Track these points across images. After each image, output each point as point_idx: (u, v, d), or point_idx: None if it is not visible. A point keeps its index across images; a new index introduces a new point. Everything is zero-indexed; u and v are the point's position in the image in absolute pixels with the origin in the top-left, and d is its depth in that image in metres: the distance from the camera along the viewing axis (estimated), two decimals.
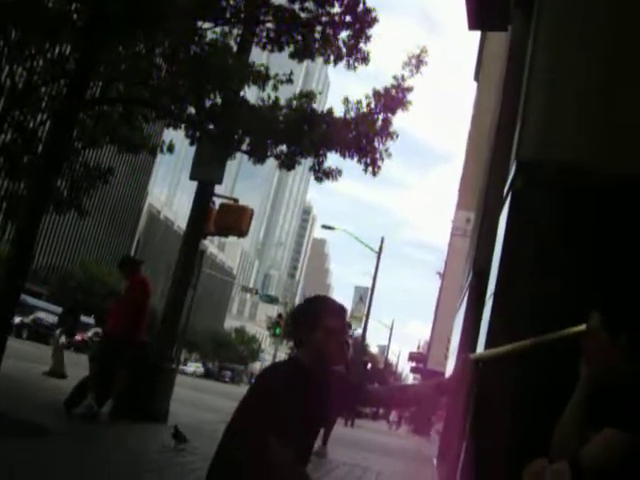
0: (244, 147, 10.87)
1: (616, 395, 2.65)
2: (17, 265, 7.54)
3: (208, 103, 10.61)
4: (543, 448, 2.80)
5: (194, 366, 75.54)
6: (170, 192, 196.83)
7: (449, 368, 7.50)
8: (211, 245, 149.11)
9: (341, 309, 3.54)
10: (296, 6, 10.51)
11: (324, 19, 10.62)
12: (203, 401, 20.08)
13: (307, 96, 10.72)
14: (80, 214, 13.12)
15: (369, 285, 46.23)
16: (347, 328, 3.50)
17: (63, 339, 15.80)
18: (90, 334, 35.78)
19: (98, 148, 12.99)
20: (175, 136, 13.30)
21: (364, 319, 45.82)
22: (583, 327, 2.84)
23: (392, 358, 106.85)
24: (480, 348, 3.62)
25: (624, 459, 2.48)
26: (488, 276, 3.95)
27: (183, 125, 11.11)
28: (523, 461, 2.88)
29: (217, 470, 3.38)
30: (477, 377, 3.27)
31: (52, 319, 28.76)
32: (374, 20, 10.63)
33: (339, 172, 10.97)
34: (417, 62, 10.70)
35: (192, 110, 11.02)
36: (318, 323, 3.40)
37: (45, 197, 8.30)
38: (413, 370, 63.39)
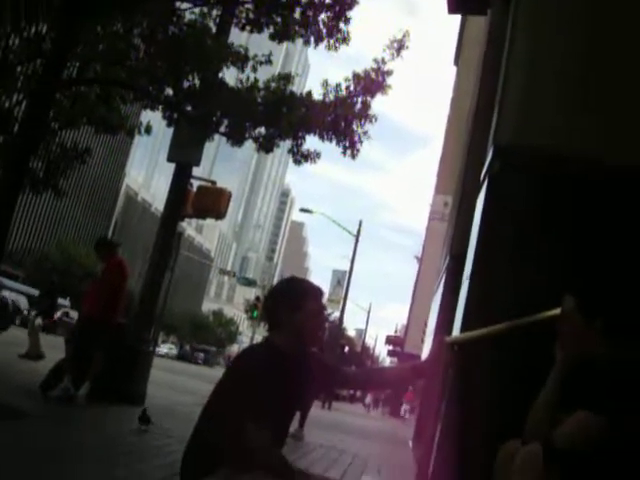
0: (222, 129, 10.82)
1: (590, 379, 2.68)
2: None
3: (186, 84, 10.54)
4: (517, 430, 2.82)
5: (167, 347, 74.62)
6: (148, 174, 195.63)
7: (426, 351, 7.55)
8: (189, 227, 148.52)
9: (319, 291, 3.55)
10: None
11: (304, 0, 10.57)
12: (179, 383, 20.08)
13: (286, 78, 10.67)
14: (57, 195, 13.01)
15: (347, 268, 46.31)
16: (325, 310, 3.52)
17: (39, 321, 15.71)
18: (59, 314, 35.40)
19: (75, 129, 12.88)
20: (153, 117, 13.21)
21: (342, 302, 45.91)
22: (558, 311, 2.86)
23: (369, 341, 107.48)
24: (456, 331, 3.64)
25: (597, 442, 2.51)
26: (465, 259, 3.97)
27: (161, 106, 11.04)
28: (497, 443, 2.91)
29: (193, 453, 3.38)
30: (452, 360, 3.29)
31: (23, 301, 28.25)
32: (354, 2, 10.60)
33: (318, 155, 10.96)
34: (398, 46, 10.68)
35: (170, 91, 10.94)
36: (299, 304, 3.40)
37: (21, 177, 8.22)
38: (390, 353, 63.73)
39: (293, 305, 3.40)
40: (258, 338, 61.66)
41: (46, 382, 9.13)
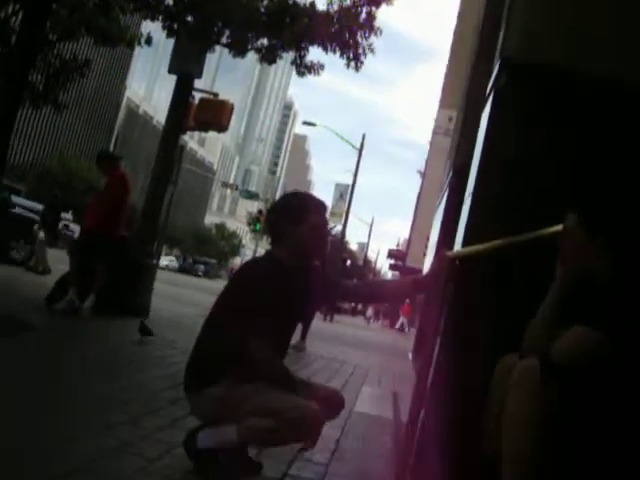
0: (224, 40, 10.62)
1: (590, 295, 2.69)
2: None
3: None
4: (516, 346, 2.86)
5: (167, 260, 72.99)
6: (149, 86, 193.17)
7: (427, 265, 7.58)
8: (191, 140, 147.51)
9: (323, 205, 3.55)
10: None
11: None
12: (183, 296, 20.34)
13: None
14: (57, 109, 12.89)
15: (350, 182, 46.20)
16: (328, 223, 3.53)
17: (42, 235, 15.75)
18: (60, 227, 35.32)
19: (74, 40, 12.63)
20: (154, 29, 12.96)
21: (344, 216, 45.98)
22: (560, 227, 2.86)
23: (371, 255, 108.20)
24: (457, 246, 3.65)
25: (595, 357, 2.55)
26: (467, 175, 3.94)
27: (161, 17, 10.80)
28: (495, 358, 2.95)
29: (196, 363, 3.44)
30: (453, 274, 3.30)
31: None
32: None
33: (321, 66, 10.78)
34: None
35: (170, 1, 10.69)
36: (302, 218, 3.40)
37: (20, 90, 8.11)
38: (392, 267, 64.23)
39: (295, 218, 3.40)
40: (261, 251, 61.97)
41: (51, 295, 9.24)
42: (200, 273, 72.40)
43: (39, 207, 17.97)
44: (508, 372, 2.66)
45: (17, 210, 16.23)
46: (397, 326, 43.80)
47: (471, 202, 3.49)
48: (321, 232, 3.45)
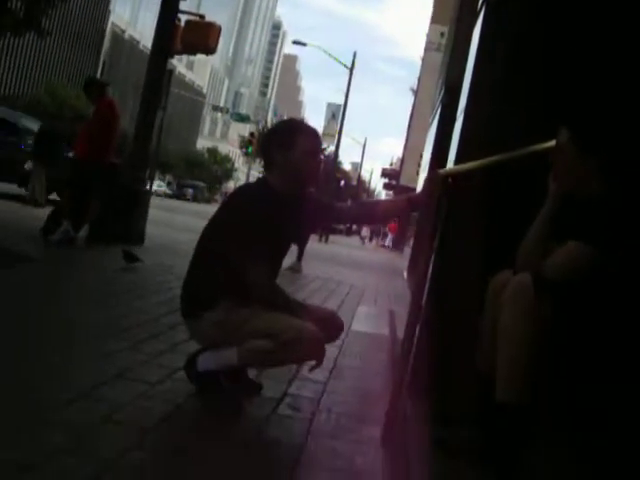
0: None
1: (582, 211, 2.70)
2: None
3: None
4: (509, 262, 2.88)
5: (156, 185, 71.48)
6: (134, 10, 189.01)
7: (421, 184, 7.59)
8: (179, 64, 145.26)
9: (314, 131, 3.53)
10: None
11: None
12: (176, 221, 20.34)
13: None
14: (40, 35, 12.63)
15: (342, 102, 45.68)
16: (321, 151, 3.51)
17: (29, 164, 15.50)
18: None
19: None
20: None
21: (336, 136, 45.63)
22: (552, 143, 2.85)
23: (365, 175, 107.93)
24: (450, 163, 3.64)
25: (587, 272, 2.57)
26: (460, 91, 3.91)
27: None
28: (489, 275, 2.97)
29: (191, 288, 3.47)
30: (446, 191, 3.30)
31: None
32: None
33: None
34: None
35: None
36: (292, 143, 3.39)
37: (1, 18, 7.94)
38: (386, 186, 64.25)
39: (286, 144, 3.39)
40: (254, 174, 61.78)
41: (46, 227, 9.24)
42: (189, 197, 69.79)
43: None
44: (502, 289, 2.69)
45: None
46: (385, 243, 44.48)
47: (463, 119, 3.47)
48: (312, 158, 3.43)
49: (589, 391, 2.61)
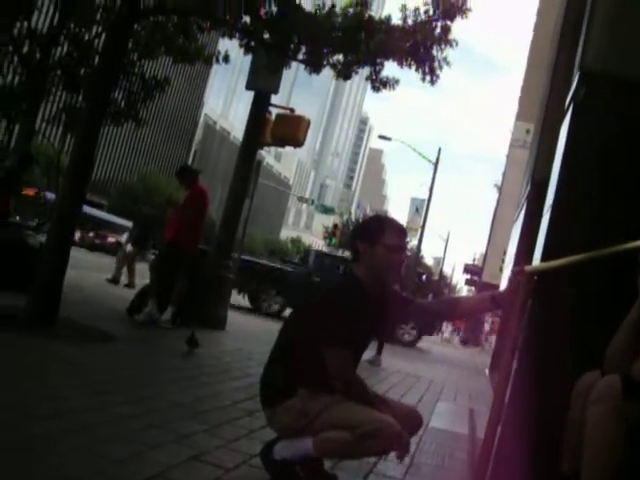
0: (300, 56, 10.71)
1: None
2: (78, 176, 7.64)
3: (263, 11, 10.42)
4: (597, 363, 2.80)
5: None
6: (226, 103, 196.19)
7: (504, 280, 7.48)
8: (268, 156, 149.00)
9: (399, 228, 3.55)
10: None
11: None
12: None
13: (364, 3, 10.42)
14: (137, 124, 13.21)
15: (425, 197, 45.89)
16: (405, 248, 3.53)
17: (129, 248, 16.13)
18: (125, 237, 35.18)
19: (154, 59, 12.94)
20: (230, 46, 13.16)
21: (420, 231, 45.68)
22: None
23: (447, 270, 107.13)
24: (536, 261, 3.60)
25: None
26: (547, 188, 3.89)
27: (237, 34, 10.96)
28: (575, 375, 2.89)
29: (271, 376, 3.47)
30: (532, 289, 3.26)
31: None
32: None
33: (396, 81, 10.75)
34: None
35: (247, 19, 10.84)
36: (379, 239, 3.43)
37: (103, 108, 8.35)
38: (468, 282, 63.41)
39: (371, 239, 3.44)
40: None
41: (132, 307, 9.48)
42: None
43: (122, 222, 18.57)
44: (588, 390, 2.61)
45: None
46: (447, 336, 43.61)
47: (550, 216, 3.44)
48: (395, 255, 3.44)
49: None
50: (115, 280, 15.16)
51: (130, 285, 14.82)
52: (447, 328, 43.51)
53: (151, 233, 16.51)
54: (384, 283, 3.50)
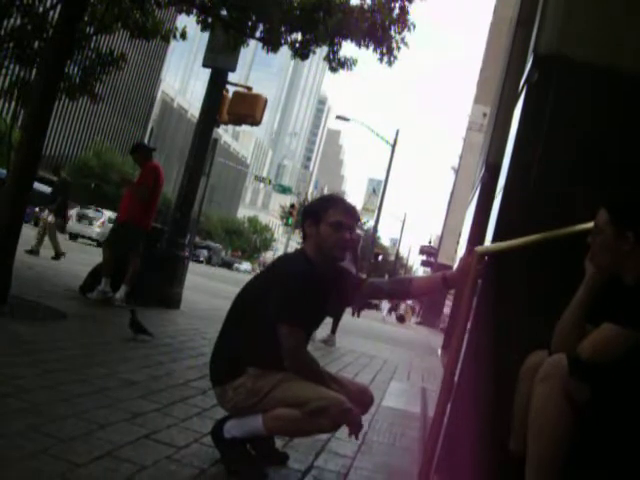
0: (257, 34, 10.63)
1: (620, 293, 2.67)
2: (30, 152, 7.51)
3: None
4: (544, 342, 2.85)
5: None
6: (184, 80, 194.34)
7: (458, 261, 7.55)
8: (225, 134, 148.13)
9: (348, 207, 3.52)
10: None
11: None
12: (211, 288, 20.44)
13: None
14: (93, 100, 12.97)
15: (382, 178, 46.08)
16: (353, 226, 3.51)
17: (51, 218, 15.84)
18: (72, 212, 34.26)
19: (110, 34, 12.72)
20: (189, 22, 13.01)
21: (376, 212, 45.89)
22: (590, 224, 2.85)
23: (403, 251, 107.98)
24: (487, 242, 3.64)
25: (623, 355, 2.53)
26: (499, 171, 3.93)
27: (195, 10, 10.83)
28: (525, 354, 2.94)
29: (220, 355, 3.47)
30: (482, 270, 3.30)
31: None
32: None
33: (354, 62, 10.74)
34: None
35: None
36: (323, 218, 3.43)
37: (57, 83, 8.21)
38: (424, 263, 64.02)
39: (316, 218, 3.45)
40: (293, 245, 62.09)
41: (85, 285, 9.39)
42: (202, 259, 61.96)
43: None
44: (535, 369, 2.66)
45: None
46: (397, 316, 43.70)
47: (501, 198, 3.49)
48: (340, 231, 3.43)
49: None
50: (34, 251, 14.98)
51: (58, 256, 14.83)
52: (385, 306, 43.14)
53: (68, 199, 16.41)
54: (332, 261, 3.50)
